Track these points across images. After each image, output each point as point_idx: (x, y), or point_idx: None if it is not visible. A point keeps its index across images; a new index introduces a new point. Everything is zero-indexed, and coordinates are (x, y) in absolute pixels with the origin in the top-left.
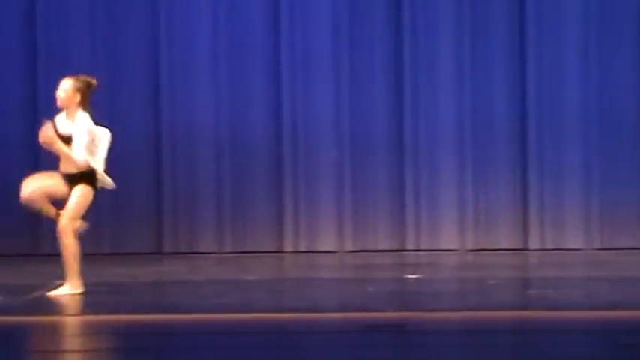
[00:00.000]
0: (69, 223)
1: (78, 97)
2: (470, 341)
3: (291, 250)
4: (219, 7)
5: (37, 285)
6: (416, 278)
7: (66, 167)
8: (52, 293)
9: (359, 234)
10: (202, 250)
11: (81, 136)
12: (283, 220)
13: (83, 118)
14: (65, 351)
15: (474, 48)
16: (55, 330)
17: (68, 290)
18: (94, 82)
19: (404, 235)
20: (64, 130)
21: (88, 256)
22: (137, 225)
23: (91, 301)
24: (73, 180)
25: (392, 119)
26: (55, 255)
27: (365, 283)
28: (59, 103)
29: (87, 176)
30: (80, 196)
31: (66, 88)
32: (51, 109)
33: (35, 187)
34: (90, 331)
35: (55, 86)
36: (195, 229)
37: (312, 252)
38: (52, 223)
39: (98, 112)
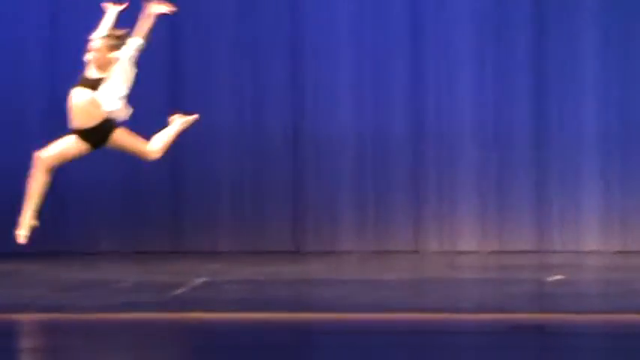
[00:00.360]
0: (158, 149)
1: (110, 57)
2: (612, 345)
3: (432, 249)
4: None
5: (178, 283)
6: (558, 280)
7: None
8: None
9: (501, 234)
10: (342, 249)
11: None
12: (423, 220)
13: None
14: (203, 348)
15: (618, 51)
16: (194, 327)
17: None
18: (126, 33)
19: (546, 235)
20: (92, 74)
21: (228, 254)
22: (276, 223)
23: (230, 298)
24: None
25: (534, 118)
26: (196, 252)
27: (506, 284)
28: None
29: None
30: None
31: (97, 47)
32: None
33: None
34: (228, 328)
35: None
36: (335, 228)
37: (453, 252)
38: (195, 220)
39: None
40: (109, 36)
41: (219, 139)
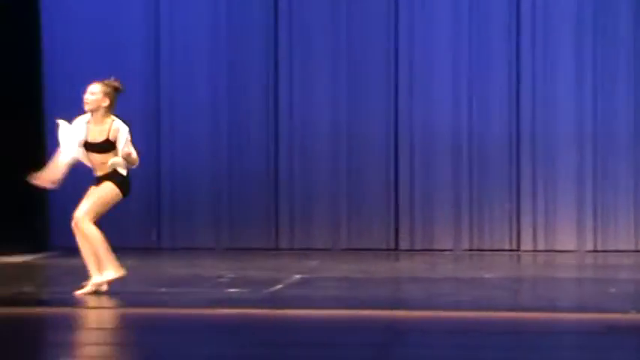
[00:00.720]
0: (84, 216)
1: (107, 102)
2: None
3: (528, 249)
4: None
5: (278, 278)
6: None
7: (96, 172)
8: (81, 292)
9: (599, 234)
10: (438, 248)
11: (125, 144)
12: (521, 219)
13: (123, 128)
14: (298, 345)
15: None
16: (290, 324)
17: (109, 277)
18: (121, 86)
19: None
20: (93, 138)
21: (323, 252)
22: (375, 222)
23: (326, 295)
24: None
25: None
26: (292, 250)
27: (605, 284)
28: (87, 106)
29: (114, 177)
30: (102, 190)
31: (94, 91)
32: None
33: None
34: (323, 326)
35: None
36: (432, 226)
37: (551, 251)
38: (291, 219)
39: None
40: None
41: (318, 139)
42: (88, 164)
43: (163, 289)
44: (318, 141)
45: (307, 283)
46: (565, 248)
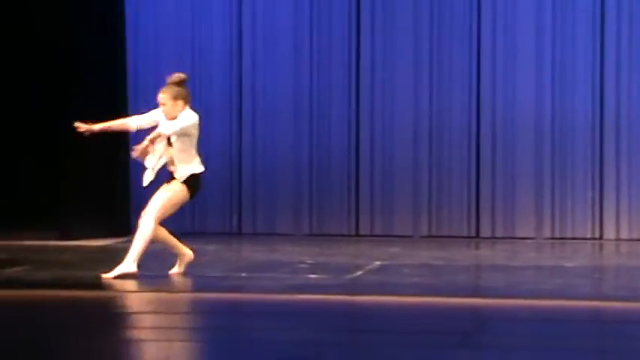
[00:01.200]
0: (153, 218)
1: (180, 103)
2: None
3: (612, 237)
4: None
5: (358, 265)
6: None
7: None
8: (109, 275)
9: None
10: (520, 236)
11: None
12: (603, 207)
13: (185, 115)
14: (377, 331)
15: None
16: (370, 310)
17: (124, 269)
18: (184, 75)
19: None
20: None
21: (404, 238)
22: (456, 210)
23: (406, 282)
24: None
25: None
26: (372, 236)
27: None
28: (167, 116)
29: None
30: (172, 191)
31: (164, 102)
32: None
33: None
34: (403, 312)
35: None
36: (513, 214)
37: (635, 240)
38: (372, 205)
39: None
40: (166, 85)
41: (399, 127)
42: (166, 158)
43: (244, 274)
44: (399, 129)
45: (387, 270)
46: None
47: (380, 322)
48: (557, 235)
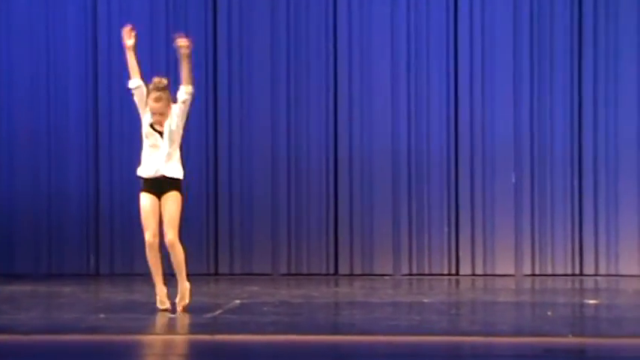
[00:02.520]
0: (176, 234)
1: (171, 103)
2: None
3: (468, 273)
4: None
5: (218, 304)
6: (595, 304)
7: (158, 169)
8: (180, 309)
9: (537, 258)
10: (378, 272)
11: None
12: (459, 244)
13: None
14: None
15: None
16: (229, 349)
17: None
18: (162, 78)
19: (582, 259)
20: (161, 128)
21: (264, 276)
22: (315, 247)
23: (269, 320)
24: (164, 186)
25: (571, 143)
26: (233, 275)
27: (543, 308)
28: (159, 123)
29: (176, 183)
30: (176, 203)
31: (163, 111)
32: None
33: (156, 226)
34: (263, 351)
35: None
36: (372, 251)
37: (489, 275)
38: (235, 247)
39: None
40: (155, 89)
41: (257, 161)
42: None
43: (102, 315)
44: (257, 161)
45: (247, 308)
46: (503, 272)
47: None
48: (414, 271)
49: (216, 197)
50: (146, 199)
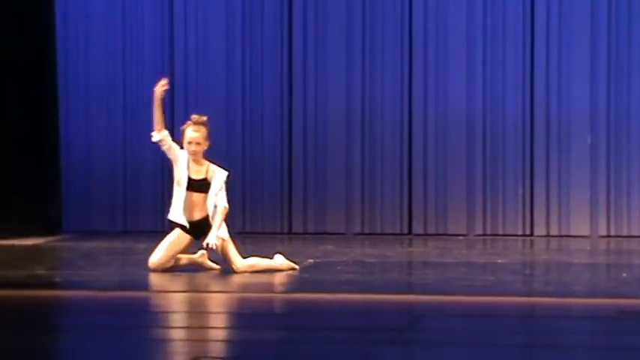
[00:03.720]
0: (243, 266)
1: (208, 144)
2: None
3: (542, 234)
4: None
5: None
6: None
7: (193, 214)
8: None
9: (612, 219)
10: (452, 232)
11: (220, 189)
12: (534, 205)
13: (219, 173)
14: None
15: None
16: (304, 307)
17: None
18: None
19: None
20: (196, 176)
21: (338, 236)
22: (389, 207)
23: (342, 279)
24: (200, 227)
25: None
26: (307, 234)
27: (618, 269)
28: (193, 155)
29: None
30: (227, 236)
31: (200, 141)
32: None
33: (161, 254)
34: (337, 310)
35: None
36: (445, 211)
37: (564, 236)
38: (309, 207)
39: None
40: (195, 123)
41: (332, 124)
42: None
43: (176, 273)
44: (331, 127)
45: (321, 267)
46: (578, 233)
47: (313, 319)
48: (488, 231)
49: (290, 157)
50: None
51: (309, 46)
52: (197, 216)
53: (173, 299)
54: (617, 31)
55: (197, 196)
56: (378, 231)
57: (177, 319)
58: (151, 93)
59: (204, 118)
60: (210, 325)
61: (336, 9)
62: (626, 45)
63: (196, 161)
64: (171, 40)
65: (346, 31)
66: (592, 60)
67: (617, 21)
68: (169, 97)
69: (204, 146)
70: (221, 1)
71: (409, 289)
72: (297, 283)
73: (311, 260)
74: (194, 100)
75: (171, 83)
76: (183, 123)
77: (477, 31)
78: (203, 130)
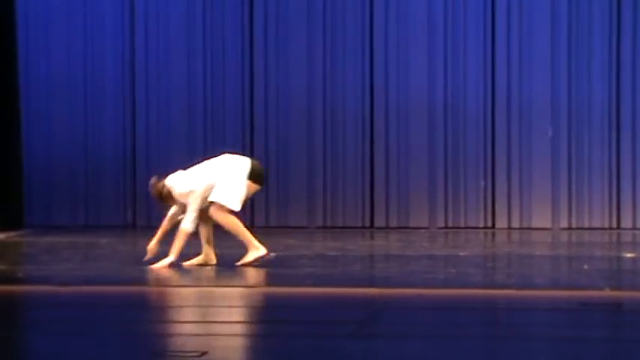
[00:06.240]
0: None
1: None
2: None
3: (504, 226)
4: None
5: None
6: (632, 257)
7: None
8: (241, 262)
9: (573, 211)
10: (414, 225)
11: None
12: (495, 197)
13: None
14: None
15: None
16: (268, 301)
17: (254, 255)
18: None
19: (619, 212)
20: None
21: (300, 229)
22: (351, 200)
23: (304, 273)
24: None
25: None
26: (270, 227)
27: (580, 261)
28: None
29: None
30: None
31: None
32: None
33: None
34: (299, 303)
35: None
36: (407, 204)
37: (526, 229)
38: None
39: None
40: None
41: (293, 116)
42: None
43: (138, 267)
44: (293, 118)
45: (283, 261)
46: (540, 226)
47: (275, 312)
48: (450, 224)
49: (252, 152)
50: None
51: (269, 41)
52: None
53: (134, 293)
54: (578, 24)
55: None
56: (340, 224)
57: (139, 314)
58: (111, 92)
59: (150, 185)
60: (171, 320)
61: (296, 4)
62: (587, 37)
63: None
64: (133, 44)
65: (307, 27)
66: (553, 52)
67: (578, 14)
68: (130, 99)
69: (167, 196)
70: (181, 2)
71: (371, 282)
72: (259, 277)
73: (273, 254)
74: (155, 104)
75: (132, 85)
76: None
77: (438, 24)
78: (154, 192)
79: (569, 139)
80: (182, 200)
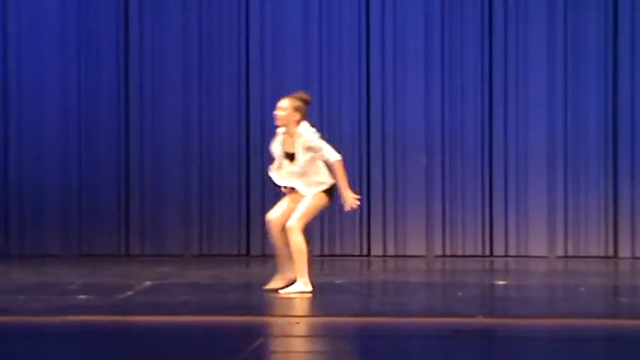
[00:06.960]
0: (296, 222)
1: (297, 116)
2: (559, 349)
3: (379, 254)
4: None
5: (129, 285)
6: (505, 284)
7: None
8: (284, 291)
9: (447, 239)
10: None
11: (320, 144)
12: (371, 225)
13: (307, 130)
14: (149, 351)
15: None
16: (141, 330)
17: (300, 288)
18: (309, 97)
19: (492, 241)
20: (288, 149)
21: (176, 257)
22: (227, 227)
23: (179, 301)
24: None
25: (482, 130)
26: (145, 256)
27: (453, 288)
28: (278, 122)
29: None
30: (312, 198)
31: (284, 107)
32: None
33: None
34: (174, 332)
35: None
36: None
37: (399, 256)
38: (142, 224)
39: None
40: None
41: (169, 143)
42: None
43: (12, 297)
44: (169, 148)
45: (158, 289)
46: (414, 253)
47: (150, 341)
48: (326, 252)
49: (128, 180)
50: None
51: (145, 65)
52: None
53: (6, 323)
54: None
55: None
56: (216, 252)
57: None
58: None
59: (298, 94)
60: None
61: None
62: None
63: (290, 133)
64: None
65: (182, 45)
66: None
67: (451, 39)
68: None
69: (290, 115)
70: (54, 20)
71: (247, 310)
72: (132, 305)
73: (148, 282)
74: (28, 124)
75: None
76: None
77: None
78: (290, 102)
79: (442, 168)
80: (299, 144)
